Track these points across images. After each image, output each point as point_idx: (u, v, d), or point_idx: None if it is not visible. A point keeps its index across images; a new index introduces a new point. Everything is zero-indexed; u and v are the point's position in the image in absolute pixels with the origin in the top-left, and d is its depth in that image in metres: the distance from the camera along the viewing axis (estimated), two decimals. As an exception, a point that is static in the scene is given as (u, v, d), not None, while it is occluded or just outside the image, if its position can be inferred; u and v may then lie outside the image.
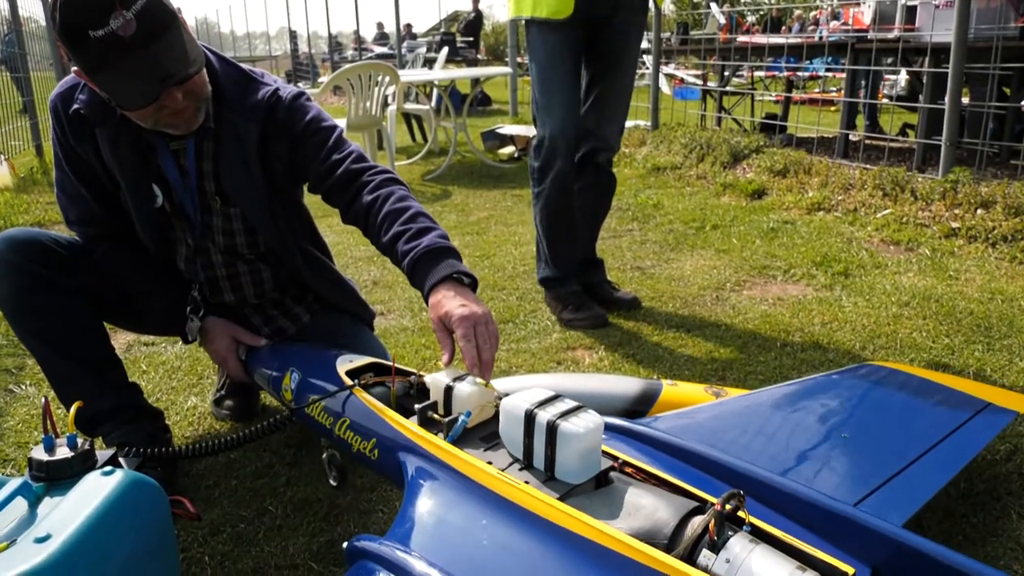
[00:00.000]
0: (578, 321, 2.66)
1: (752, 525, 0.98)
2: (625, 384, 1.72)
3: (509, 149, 6.85)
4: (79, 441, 1.18)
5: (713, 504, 1.01)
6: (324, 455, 1.53)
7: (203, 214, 1.71)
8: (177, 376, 2.38)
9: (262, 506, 1.72)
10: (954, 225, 3.76)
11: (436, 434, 1.24)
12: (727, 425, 1.46)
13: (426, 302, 1.43)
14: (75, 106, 1.56)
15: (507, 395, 1.20)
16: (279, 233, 1.75)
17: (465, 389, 1.26)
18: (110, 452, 1.22)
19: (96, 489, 1.02)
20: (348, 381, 1.44)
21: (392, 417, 1.30)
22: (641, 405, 1.66)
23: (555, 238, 2.76)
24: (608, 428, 1.36)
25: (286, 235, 1.76)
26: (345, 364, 1.51)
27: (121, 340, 2.64)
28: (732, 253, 3.61)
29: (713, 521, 0.95)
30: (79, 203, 1.69)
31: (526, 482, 1.10)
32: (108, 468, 1.08)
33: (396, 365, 1.41)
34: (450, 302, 1.36)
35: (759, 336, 2.64)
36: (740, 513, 0.98)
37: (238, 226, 1.74)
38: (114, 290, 1.75)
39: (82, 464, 1.14)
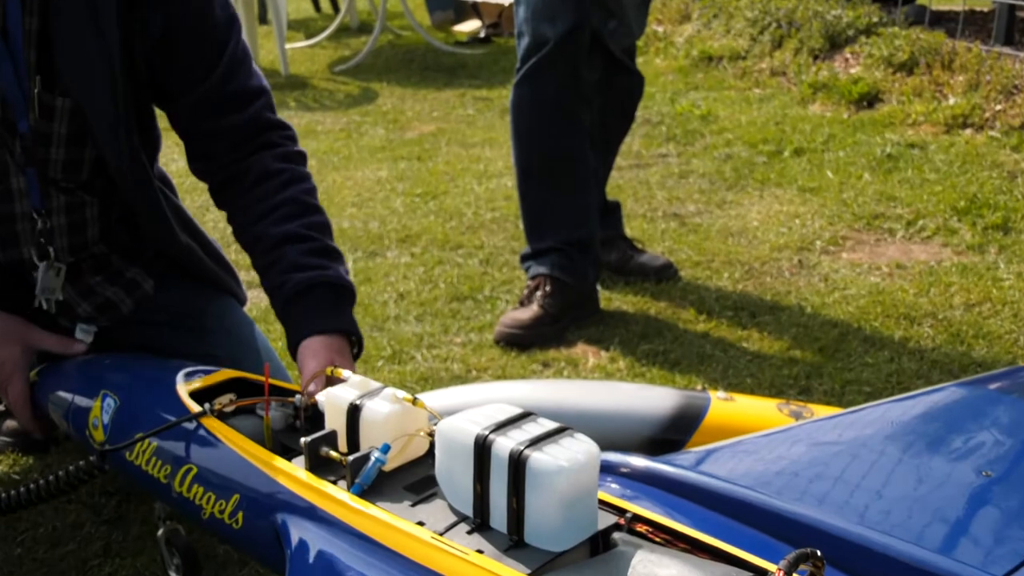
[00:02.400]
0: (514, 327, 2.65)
1: None
2: (651, 398, 1.77)
3: (471, 25, 6.84)
4: None
5: (771, 573, 1.03)
6: (160, 531, 1.56)
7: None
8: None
9: (64, 589, 1.74)
10: None
11: (335, 482, 1.27)
12: (812, 463, 1.48)
13: (296, 333, 1.66)
14: None
15: (447, 416, 1.24)
16: (130, 146, 1.78)
17: (380, 409, 1.29)
18: None
19: None
20: (194, 407, 1.47)
21: (263, 458, 1.34)
22: (676, 432, 1.70)
23: (547, 186, 2.76)
24: (615, 470, 1.40)
25: (138, 150, 1.80)
26: (192, 382, 1.56)
27: None
28: (825, 194, 3.64)
29: None
30: None
31: (479, 551, 1.13)
32: None
33: (271, 380, 1.45)
34: (346, 360, 1.64)
35: (865, 324, 2.68)
36: None
37: (59, 128, 1.75)
38: None
39: None
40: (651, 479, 1.37)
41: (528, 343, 2.62)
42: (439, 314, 2.81)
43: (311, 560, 1.20)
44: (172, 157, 3.98)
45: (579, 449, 1.12)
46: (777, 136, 4.35)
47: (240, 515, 1.35)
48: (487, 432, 1.14)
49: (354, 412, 1.29)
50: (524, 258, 2.85)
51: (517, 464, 1.11)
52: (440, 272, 3.08)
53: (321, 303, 1.66)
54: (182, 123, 1.82)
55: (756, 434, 1.57)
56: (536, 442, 1.12)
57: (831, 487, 1.42)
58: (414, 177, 3.94)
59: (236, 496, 1.35)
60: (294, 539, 1.24)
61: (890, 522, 1.33)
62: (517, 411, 1.18)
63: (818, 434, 1.58)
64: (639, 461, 1.40)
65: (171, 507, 1.52)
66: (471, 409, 1.20)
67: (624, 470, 1.39)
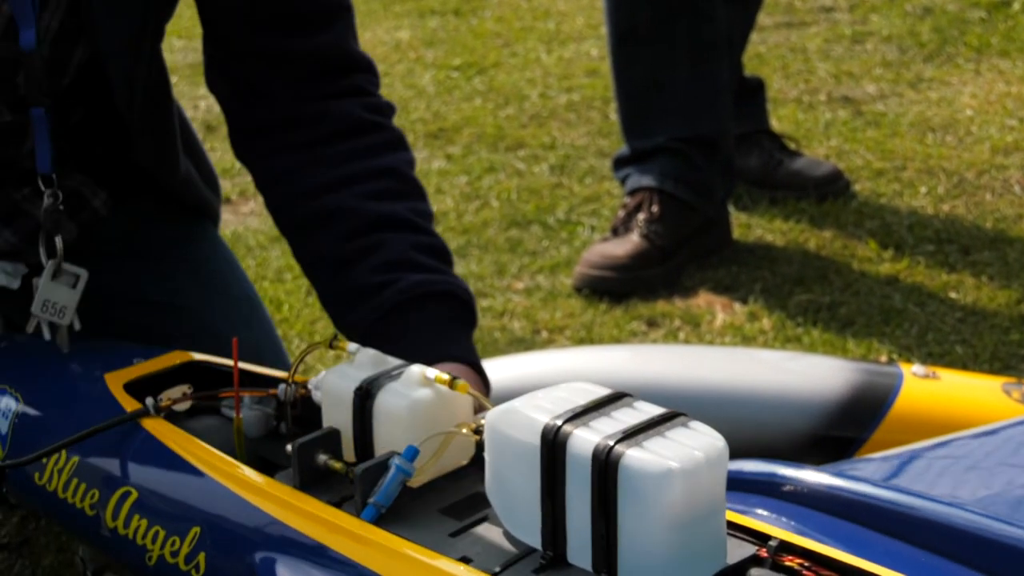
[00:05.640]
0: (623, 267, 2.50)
1: None
2: (812, 375, 1.77)
3: None
4: None
5: None
6: None
7: None
8: None
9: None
10: None
11: (339, 505, 1.20)
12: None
13: (414, 355, 1.50)
14: None
15: (498, 404, 1.20)
16: (152, 59, 1.72)
17: (403, 395, 1.22)
18: None
19: None
20: (132, 403, 1.42)
21: (234, 474, 1.30)
22: (851, 425, 1.68)
23: (656, 55, 2.60)
24: (760, 486, 1.33)
25: (161, 63, 1.77)
26: (126, 368, 1.50)
27: None
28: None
29: None
30: None
31: None
32: None
33: (242, 365, 1.37)
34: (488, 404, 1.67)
35: None
36: None
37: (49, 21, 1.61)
38: None
39: None
40: (815, 499, 1.30)
41: (625, 290, 2.46)
42: (490, 247, 2.65)
43: None
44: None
45: (697, 443, 1.00)
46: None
47: (201, 557, 1.27)
48: (560, 422, 1.03)
49: (364, 401, 1.22)
50: (619, 163, 2.65)
51: (605, 467, 0.99)
52: (491, 184, 2.88)
53: (451, 320, 1.58)
54: (226, 36, 1.70)
55: (972, 431, 1.52)
56: (632, 434, 1.00)
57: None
58: (450, 40, 3.74)
59: (195, 530, 1.29)
60: None
61: None
62: (605, 392, 1.08)
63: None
64: (797, 472, 1.33)
65: (100, 550, 1.44)
66: (535, 391, 1.10)
67: (774, 486, 1.33)
